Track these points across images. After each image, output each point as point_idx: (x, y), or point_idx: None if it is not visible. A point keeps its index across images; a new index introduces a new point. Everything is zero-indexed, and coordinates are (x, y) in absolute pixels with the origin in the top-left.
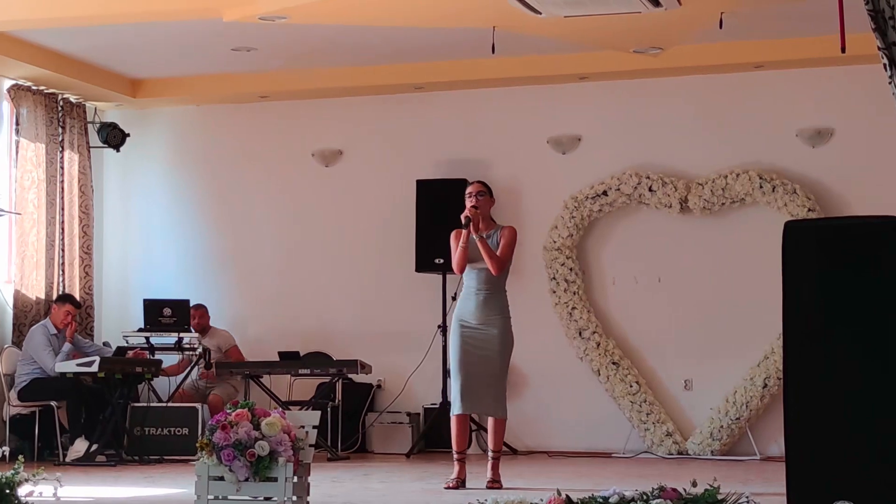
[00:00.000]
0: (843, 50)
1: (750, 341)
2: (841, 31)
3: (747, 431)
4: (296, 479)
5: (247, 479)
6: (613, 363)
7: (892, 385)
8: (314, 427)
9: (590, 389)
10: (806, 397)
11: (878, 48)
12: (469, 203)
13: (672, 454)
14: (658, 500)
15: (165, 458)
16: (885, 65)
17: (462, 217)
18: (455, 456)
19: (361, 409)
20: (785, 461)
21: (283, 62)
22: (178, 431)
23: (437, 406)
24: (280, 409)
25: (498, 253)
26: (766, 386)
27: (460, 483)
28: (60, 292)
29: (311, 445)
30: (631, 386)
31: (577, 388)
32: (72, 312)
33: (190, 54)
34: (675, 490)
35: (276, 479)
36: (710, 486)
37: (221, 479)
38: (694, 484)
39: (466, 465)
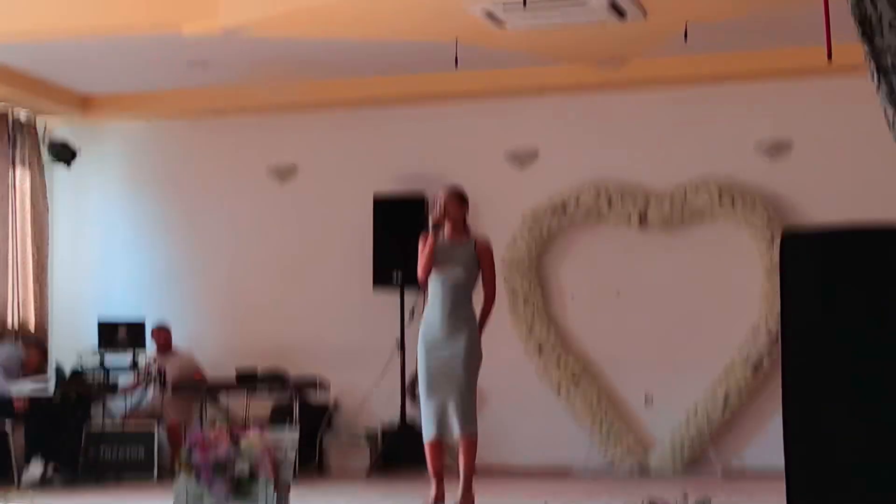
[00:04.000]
0: (830, 57)
1: (710, 355)
2: (827, 37)
3: (708, 446)
4: (276, 498)
5: (227, 499)
6: (573, 378)
7: None
8: (294, 447)
9: (549, 406)
10: (807, 414)
11: (866, 54)
12: (438, 208)
13: (633, 470)
14: None
15: (122, 479)
16: (871, 72)
17: (430, 221)
18: (433, 476)
19: (317, 428)
20: (785, 480)
21: (238, 77)
22: (135, 453)
23: (395, 425)
24: (260, 427)
25: (486, 290)
26: (727, 400)
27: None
28: (14, 313)
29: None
30: (591, 402)
31: (537, 405)
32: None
33: (142, 70)
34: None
35: (255, 500)
36: (703, 499)
37: (200, 499)
38: (685, 497)
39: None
